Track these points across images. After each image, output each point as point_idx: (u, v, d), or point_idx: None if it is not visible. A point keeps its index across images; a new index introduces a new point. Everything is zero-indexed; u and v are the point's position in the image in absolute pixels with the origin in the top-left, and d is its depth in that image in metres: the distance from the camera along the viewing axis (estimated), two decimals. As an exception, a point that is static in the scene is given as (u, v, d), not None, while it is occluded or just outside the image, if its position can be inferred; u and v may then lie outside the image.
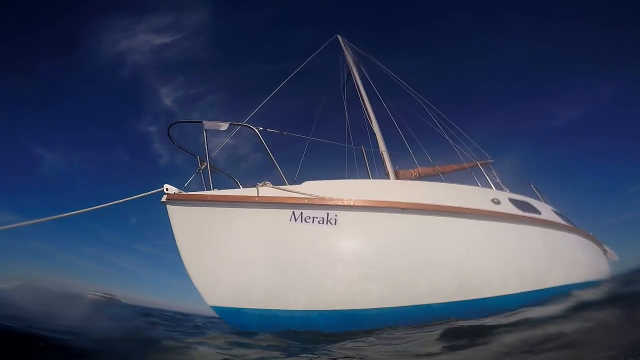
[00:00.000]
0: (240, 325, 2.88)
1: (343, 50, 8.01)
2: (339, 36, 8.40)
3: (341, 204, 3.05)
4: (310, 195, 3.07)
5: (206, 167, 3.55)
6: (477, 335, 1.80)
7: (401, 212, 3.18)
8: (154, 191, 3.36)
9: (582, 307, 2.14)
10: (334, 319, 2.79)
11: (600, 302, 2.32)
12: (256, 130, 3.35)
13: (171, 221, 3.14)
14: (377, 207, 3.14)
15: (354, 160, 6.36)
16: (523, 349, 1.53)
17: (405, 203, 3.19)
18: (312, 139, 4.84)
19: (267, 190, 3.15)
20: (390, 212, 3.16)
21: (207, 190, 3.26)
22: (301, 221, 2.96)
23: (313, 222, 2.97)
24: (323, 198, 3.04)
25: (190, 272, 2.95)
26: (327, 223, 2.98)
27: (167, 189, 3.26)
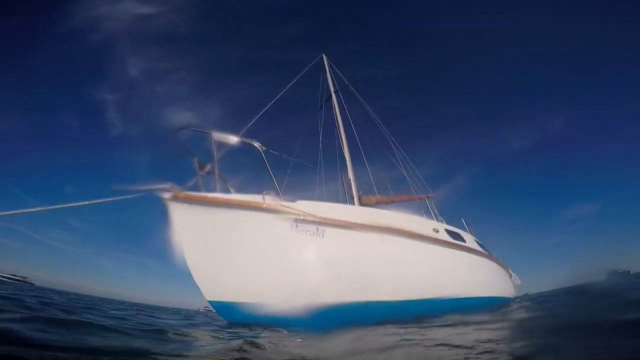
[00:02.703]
0: (237, 317, 3.36)
1: (326, 71, 8.62)
2: (324, 55, 8.94)
3: (328, 222, 3.79)
4: (304, 212, 3.74)
5: (209, 171, 3.97)
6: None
7: (371, 232, 4.05)
8: (157, 186, 3.61)
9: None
10: (316, 313, 3.48)
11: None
12: (261, 150, 3.87)
13: (173, 218, 3.47)
14: (354, 227, 3.96)
15: (322, 179, 7.20)
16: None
17: (374, 226, 4.08)
18: (295, 161, 5.67)
19: (269, 200, 3.68)
20: (363, 232, 4.01)
21: (206, 193, 3.66)
22: (299, 231, 3.62)
23: (306, 233, 3.65)
24: (315, 216, 3.74)
25: (193, 268, 3.35)
26: (317, 235, 3.69)
27: (167, 187, 3.56)
